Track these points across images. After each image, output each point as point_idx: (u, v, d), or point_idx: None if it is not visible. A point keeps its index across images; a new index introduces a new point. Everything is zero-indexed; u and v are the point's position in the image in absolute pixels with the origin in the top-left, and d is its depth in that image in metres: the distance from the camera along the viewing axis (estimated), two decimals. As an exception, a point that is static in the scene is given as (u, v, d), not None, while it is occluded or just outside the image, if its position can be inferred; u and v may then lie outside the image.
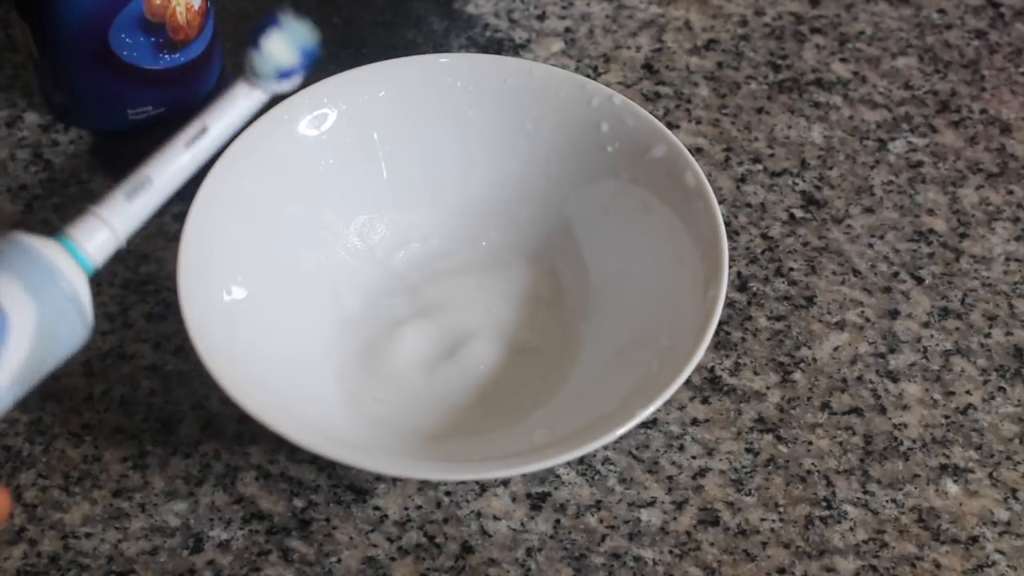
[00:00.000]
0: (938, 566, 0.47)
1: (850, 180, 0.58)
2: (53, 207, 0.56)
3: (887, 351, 0.52)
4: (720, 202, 0.54)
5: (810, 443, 0.50)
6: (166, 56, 0.56)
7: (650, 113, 0.52)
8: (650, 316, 0.49)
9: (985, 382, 0.52)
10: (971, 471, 0.49)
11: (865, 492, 0.49)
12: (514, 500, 0.48)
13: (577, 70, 0.61)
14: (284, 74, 0.44)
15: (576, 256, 0.53)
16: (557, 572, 0.47)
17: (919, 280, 0.55)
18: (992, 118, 0.60)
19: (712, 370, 0.52)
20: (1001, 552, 0.47)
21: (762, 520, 0.48)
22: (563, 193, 0.53)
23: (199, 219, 0.48)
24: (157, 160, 0.43)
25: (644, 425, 0.50)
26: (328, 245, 0.52)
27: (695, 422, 0.50)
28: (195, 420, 0.50)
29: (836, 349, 0.52)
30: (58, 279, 0.40)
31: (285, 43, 0.44)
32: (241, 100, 0.44)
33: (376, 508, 0.48)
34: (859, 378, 0.52)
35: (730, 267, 0.52)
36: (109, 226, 0.42)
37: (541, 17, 0.63)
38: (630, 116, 0.52)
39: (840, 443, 0.50)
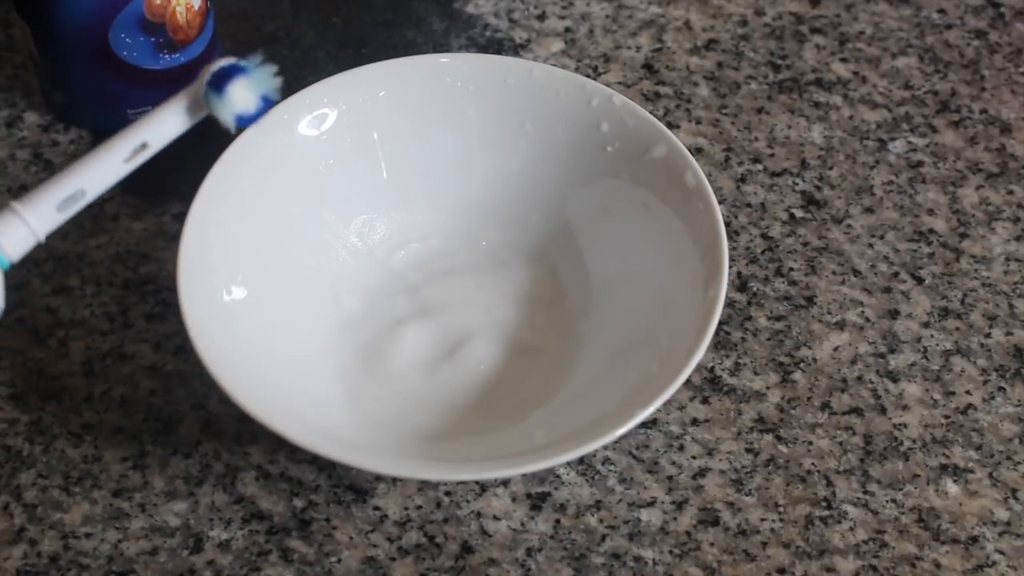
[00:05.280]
0: (938, 566, 0.47)
1: (850, 180, 0.58)
2: (53, 207, 0.56)
3: (887, 351, 0.52)
4: (720, 202, 0.54)
5: (810, 443, 0.50)
6: (166, 56, 0.56)
7: (650, 113, 0.52)
8: (650, 316, 0.49)
9: (985, 382, 0.52)
10: (971, 471, 0.49)
11: (865, 492, 0.49)
12: (514, 500, 0.48)
13: (577, 70, 0.61)
14: (241, 120, 0.44)
15: (576, 256, 0.53)
16: (557, 572, 0.46)
17: (919, 280, 0.55)
18: (992, 118, 0.60)
19: (712, 370, 0.52)
20: (1001, 552, 0.47)
21: (762, 520, 0.48)
22: (563, 193, 0.53)
23: (199, 219, 0.48)
24: (94, 172, 0.43)
25: (644, 425, 0.50)
26: (328, 245, 0.52)
27: (695, 422, 0.50)
28: (195, 420, 0.50)
29: (836, 349, 0.52)
30: None
31: (248, 91, 0.43)
32: (185, 116, 0.44)
33: (376, 508, 0.48)
34: (859, 378, 0.52)
35: (730, 267, 0.52)
36: (30, 228, 0.42)
37: (541, 17, 0.63)
38: (630, 116, 0.52)
39: (840, 443, 0.50)
